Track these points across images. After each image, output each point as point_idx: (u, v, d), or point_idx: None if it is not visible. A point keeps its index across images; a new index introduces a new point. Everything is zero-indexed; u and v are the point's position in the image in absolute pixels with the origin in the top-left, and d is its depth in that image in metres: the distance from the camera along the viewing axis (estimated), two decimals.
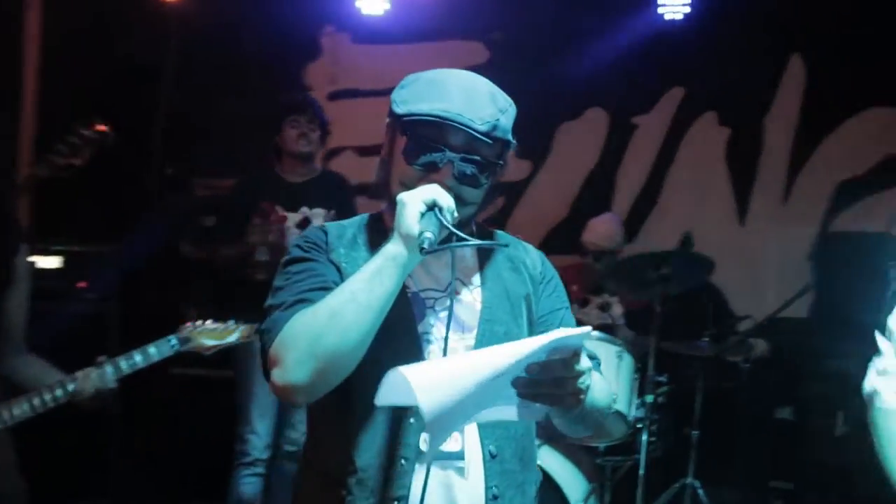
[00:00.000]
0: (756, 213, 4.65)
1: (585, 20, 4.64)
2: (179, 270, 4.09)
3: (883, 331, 1.65)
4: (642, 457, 3.24)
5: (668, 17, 4.52)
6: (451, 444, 1.40)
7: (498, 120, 1.42)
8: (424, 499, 1.34)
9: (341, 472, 1.40)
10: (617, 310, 3.98)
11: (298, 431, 3.38)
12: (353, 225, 1.55)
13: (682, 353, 3.65)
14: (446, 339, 1.39)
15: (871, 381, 1.64)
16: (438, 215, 1.34)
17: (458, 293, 1.47)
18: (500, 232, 1.65)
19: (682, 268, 3.51)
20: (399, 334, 1.41)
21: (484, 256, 1.55)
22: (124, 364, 2.26)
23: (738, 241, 4.62)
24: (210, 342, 2.38)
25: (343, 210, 3.35)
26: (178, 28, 4.67)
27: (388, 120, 1.50)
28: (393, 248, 1.34)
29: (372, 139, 4.10)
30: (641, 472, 3.25)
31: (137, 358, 2.28)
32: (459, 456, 1.40)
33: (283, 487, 3.38)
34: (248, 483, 3.32)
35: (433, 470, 1.36)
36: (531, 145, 4.88)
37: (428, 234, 1.31)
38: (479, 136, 1.38)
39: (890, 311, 1.66)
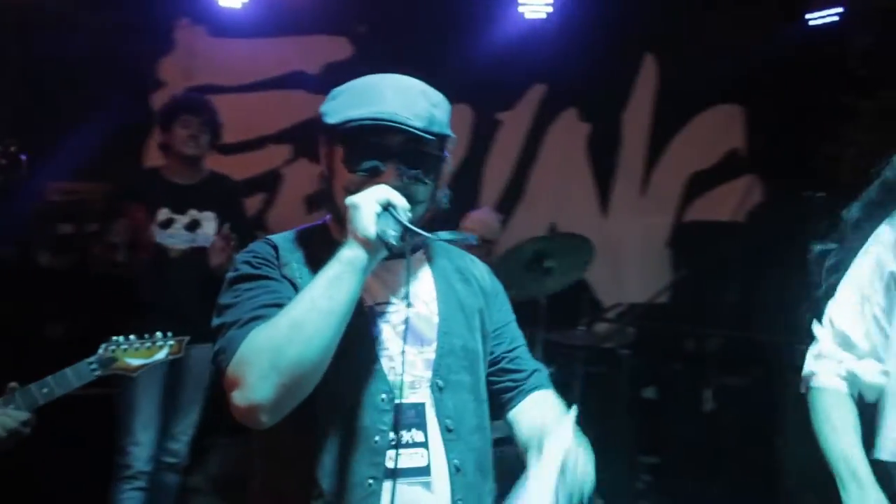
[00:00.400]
0: (617, 204, 4.88)
1: (450, 17, 4.68)
2: (34, 281, 3.79)
3: (820, 319, 1.78)
4: None
5: (528, 16, 4.64)
6: (417, 461, 1.38)
7: (432, 114, 1.41)
8: None
9: (303, 496, 1.34)
10: None
11: (181, 442, 3.28)
12: (297, 238, 1.49)
13: (563, 343, 3.77)
14: (403, 352, 1.38)
15: (808, 365, 1.76)
16: (394, 214, 1.31)
17: (413, 306, 1.45)
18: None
19: (565, 258, 3.62)
20: (356, 348, 1.37)
21: (437, 269, 1.54)
22: (37, 392, 2.08)
23: (600, 231, 4.79)
24: (136, 361, 2.23)
25: (234, 213, 3.28)
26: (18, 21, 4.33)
27: (320, 135, 1.46)
28: (350, 253, 1.31)
29: (233, 136, 3.98)
30: None
31: (52, 384, 2.09)
32: (426, 472, 1.39)
33: (162, 501, 3.25)
34: (130, 498, 3.14)
35: (402, 487, 1.34)
36: None
37: (392, 232, 1.29)
38: (417, 132, 1.37)
39: (824, 301, 1.79)
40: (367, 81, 1.46)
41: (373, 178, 1.37)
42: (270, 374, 1.25)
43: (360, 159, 1.38)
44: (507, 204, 4.86)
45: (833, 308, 1.77)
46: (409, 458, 1.38)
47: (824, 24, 4.74)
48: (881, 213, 1.75)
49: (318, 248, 1.44)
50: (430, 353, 1.44)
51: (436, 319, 1.47)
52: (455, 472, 1.40)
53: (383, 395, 1.38)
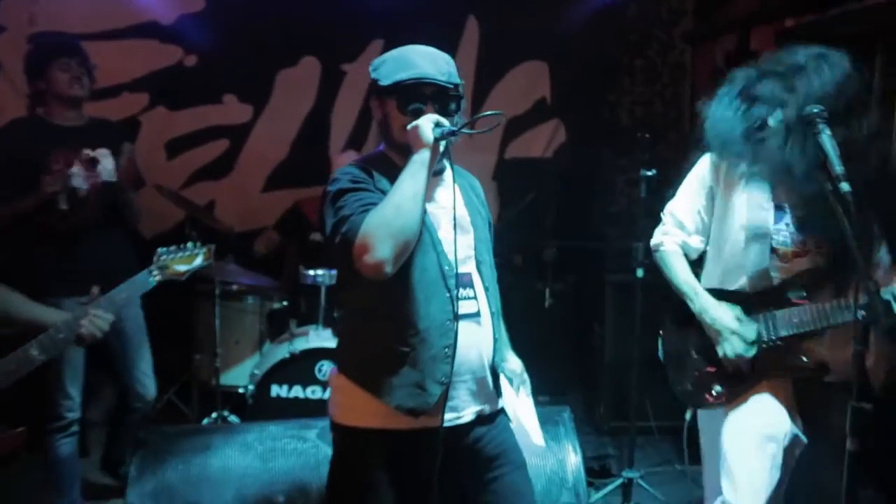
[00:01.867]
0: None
1: None
2: None
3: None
4: None
5: None
6: (471, 308, 2.08)
7: (450, 71, 2.06)
8: (457, 342, 2.01)
9: (403, 334, 2.00)
10: None
11: (146, 386, 3.50)
12: (370, 164, 2.11)
13: None
14: (456, 239, 2.04)
15: (655, 239, 2.61)
16: (441, 125, 1.97)
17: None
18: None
19: None
20: (426, 236, 2.03)
21: (460, 185, 2.16)
22: (118, 297, 2.36)
23: None
24: (182, 268, 2.52)
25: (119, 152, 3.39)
26: None
27: (373, 95, 2.11)
28: (419, 156, 1.96)
29: None
30: None
31: (128, 290, 2.40)
32: (477, 315, 2.09)
33: (128, 441, 3.44)
34: (66, 443, 3.34)
35: (462, 325, 2.03)
36: (253, 90, 5.33)
37: (441, 136, 1.96)
38: (443, 83, 2.03)
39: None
40: (401, 52, 2.10)
41: (417, 115, 2.01)
42: (388, 240, 1.88)
43: (408, 104, 2.03)
44: (354, 147, 5.37)
45: (673, 204, 2.64)
46: (466, 307, 2.07)
47: None
48: None
49: (387, 169, 2.08)
50: (470, 239, 2.13)
51: (468, 217, 2.15)
52: (491, 315, 2.13)
53: (447, 267, 2.05)
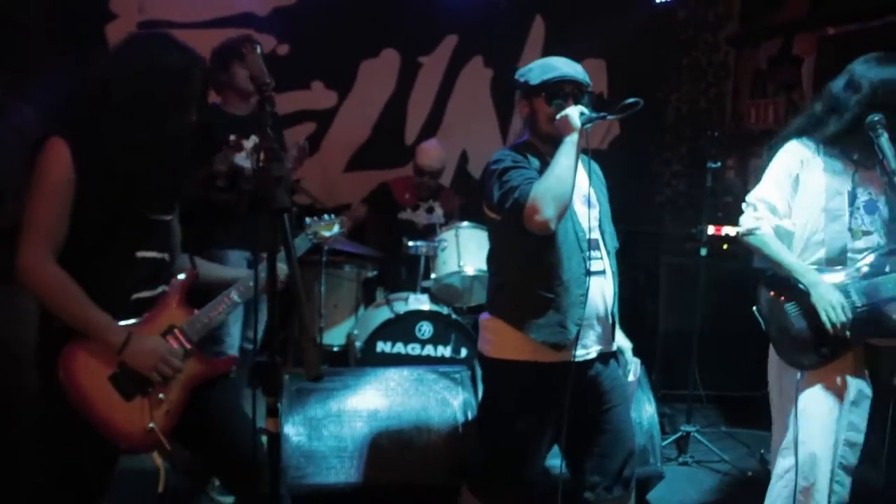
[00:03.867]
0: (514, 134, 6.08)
1: None
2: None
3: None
4: None
5: None
6: (599, 266, 2.60)
7: (585, 73, 2.59)
8: (589, 293, 2.53)
9: (550, 284, 2.51)
10: (439, 211, 5.11)
11: (257, 332, 3.89)
12: (521, 151, 2.60)
13: None
14: (589, 209, 2.58)
15: (750, 223, 2.91)
16: (587, 113, 2.48)
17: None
18: None
19: None
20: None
21: (588, 168, 2.64)
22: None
23: None
24: (326, 233, 2.90)
25: (280, 137, 3.90)
26: None
27: (521, 96, 2.63)
28: (570, 138, 2.46)
29: None
30: None
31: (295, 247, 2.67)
32: (603, 273, 2.62)
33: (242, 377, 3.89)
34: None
35: (592, 279, 2.55)
36: (338, 78, 5.81)
37: (587, 121, 2.46)
38: (581, 81, 2.56)
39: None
40: (545, 60, 2.64)
41: (560, 108, 2.52)
42: (552, 202, 2.37)
43: (553, 98, 2.55)
44: (427, 134, 5.88)
45: (762, 191, 2.96)
46: (595, 265, 2.58)
47: (666, 1, 6.24)
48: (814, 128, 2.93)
49: (534, 154, 2.59)
50: (596, 213, 2.63)
51: (595, 194, 2.64)
52: (612, 274, 2.65)
53: (580, 233, 2.56)
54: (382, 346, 4.22)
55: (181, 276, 2.44)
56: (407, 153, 5.56)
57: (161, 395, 2.31)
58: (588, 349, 2.62)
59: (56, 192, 2.15)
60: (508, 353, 2.62)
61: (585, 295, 2.54)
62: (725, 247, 5.11)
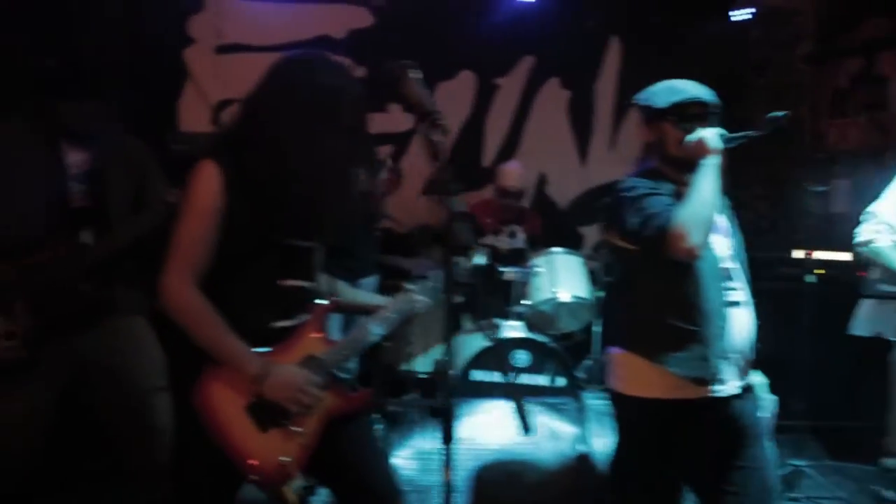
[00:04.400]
0: (592, 157, 5.99)
1: None
2: None
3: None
4: None
5: None
6: (738, 296, 2.46)
7: (713, 94, 2.48)
8: (728, 325, 2.40)
9: (691, 315, 2.38)
10: (521, 236, 5.03)
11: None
12: (647, 178, 2.48)
13: None
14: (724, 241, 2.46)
15: (866, 235, 2.92)
16: (724, 135, 2.38)
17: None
18: None
19: None
20: None
21: None
22: (431, 284, 2.59)
23: (580, 179, 5.95)
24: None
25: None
26: None
27: (646, 121, 2.52)
28: (711, 161, 2.34)
29: None
30: None
31: (432, 282, 2.58)
32: (740, 303, 2.46)
33: None
34: None
35: (732, 310, 2.42)
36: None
37: (725, 143, 2.36)
38: (711, 102, 2.45)
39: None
40: (669, 82, 2.54)
41: (688, 131, 2.41)
42: (700, 227, 2.26)
43: (683, 121, 2.44)
44: (505, 156, 5.83)
45: (881, 206, 2.95)
46: (734, 295, 2.45)
47: (741, 20, 6.11)
48: None
49: (662, 180, 2.47)
50: (727, 240, 2.52)
51: (727, 222, 2.54)
52: (748, 304, 2.50)
53: (717, 263, 2.43)
54: (478, 375, 4.11)
55: (321, 303, 2.36)
56: (485, 176, 5.49)
57: (297, 428, 2.22)
58: (726, 384, 2.48)
59: (203, 216, 2.11)
60: (645, 390, 2.49)
61: (724, 327, 2.42)
62: (818, 271, 4.95)
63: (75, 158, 2.84)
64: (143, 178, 2.98)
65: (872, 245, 2.90)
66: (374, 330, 2.43)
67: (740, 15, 6.07)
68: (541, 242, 4.89)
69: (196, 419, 2.13)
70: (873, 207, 2.94)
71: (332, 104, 2.15)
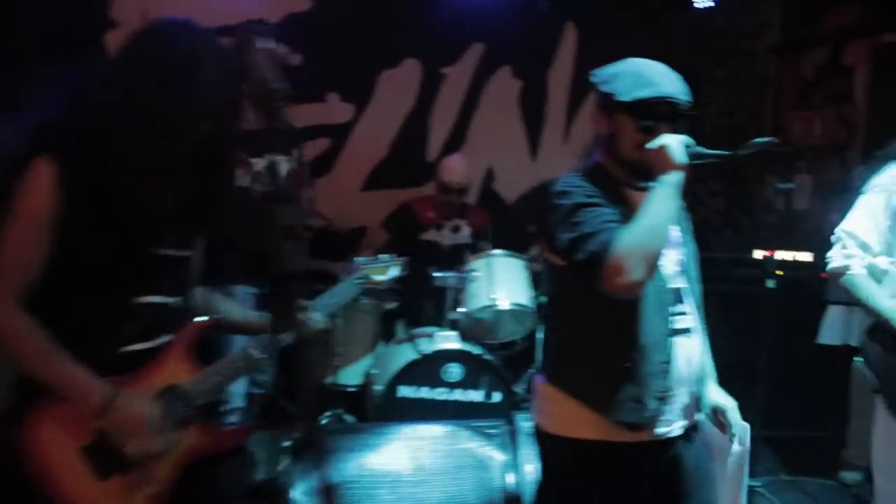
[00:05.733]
0: (544, 149, 5.69)
1: None
2: None
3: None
4: None
5: None
6: (685, 324, 2.09)
7: (686, 90, 2.05)
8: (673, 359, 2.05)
9: (625, 349, 2.01)
10: (466, 231, 4.69)
11: (267, 375, 3.64)
12: (588, 177, 2.07)
13: None
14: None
15: (839, 261, 2.56)
16: (692, 147, 1.97)
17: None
18: None
19: None
20: None
21: None
22: (330, 302, 2.32)
23: (530, 173, 5.62)
24: (378, 277, 2.45)
25: (297, 154, 3.57)
26: None
27: (601, 103, 2.08)
28: (672, 177, 1.93)
29: None
30: None
31: (339, 296, 2.34)
32: (689, 331, 2.10)
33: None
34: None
35: (677, 340, 2.06)
36: (355, 90, 5.40)
37: (692, 150, 1.97)
38: (683, 104, 2.02)
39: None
40: (637, 68, 2.07)
41: (649, 133, 2.00)
42: (643, 262, 1.87)
43: (646, 120, 2.00)
44: (451, 149, 5.46)
45: (852, 224, 2.60)
46: (680, 322, 2.08)
47: (704, 7, 5.80)
48: None
49: (607, 182, 2.07)
50: (678, 254, 2.13)
51: (679, 233, 2.15)
52: (697, 330, 2.14)
53: (662, 283, 2.05)
54: (406, 391, 3.77)
55: (191, 323, 2.02)
56: (429, 171, 5.16)
57: (146, 475, 1.86)
58: (671, 426, 2.13)
59: (31, 225, 1.75)
60: (573, 430, 2.12)
61: (668, 362, 2.06)
62: (779, 272, 4.67)
63: None
64: None
65: (848, 276, 2.56)
66: (256, 353, 2.10)
67: (703, 2, 5.76)
68: (488, 238, 4.58)
69: (16, 467, 1.78)
70: (846, 226, 2.60)
71: (190, 77, 1.78)
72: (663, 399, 2.07)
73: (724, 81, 6.30)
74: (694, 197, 6.26)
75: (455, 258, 4.36)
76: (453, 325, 3.97)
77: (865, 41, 5.46)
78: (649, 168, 2.00)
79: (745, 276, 4.52)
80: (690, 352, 2.13)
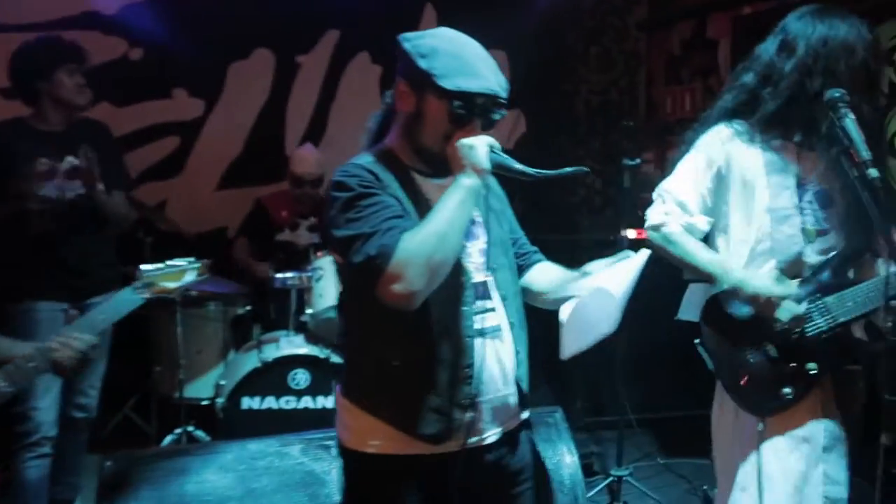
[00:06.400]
0: None
1: None
2: None
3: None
4: None
5: None
6: (493, 321, 1.88)
7: (506, 84, 1.84)
8: (480, 361, 1.85)
9: (420, 356, 1.81)
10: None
11: (90, 397, 3.33)
12: (377, 163, 1.85)
13: None
14: (464, 247, 1.83)
15: (656, 218, 2.38)
16: (497, 153, 1.79)
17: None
18: None
19: None
20: None
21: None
22: (97, 318, 2.16)
23: None
24: (171, 284, 2.28)
25: (110, 154, 3.32)
26: None
27: (413, 83, 1.85)
28: (469, 181, 1.74)
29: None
30: None
31: (109, 310, 2.18)
32: (498, 328, 1.89)
33: (76, 453, 3.36)
34: (34, 466, 3.12)
35: (482, 341, 1.85)
36: (204, 84, 5.08)
37: (497, 157, 1.78)
38: (502, 99, 1.82)
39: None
40: (460, 51, 1.84)
41: (462, 126, 1.79)
42: (426, 272, 1.67)
43: (459, 113, 1.78)
44: (311, 141, 5.20)
45: (671, 184, 2.44)
46: (487, 319, 1.88)
47: None
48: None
49: (397, 170, 1.85)
50: (481, 244, 1.91)
51: (480, 219, 1.92)
52: (511, 327, 1.93)
53: (462, 278, 1.84)
54: (249, 402, 3.52)
55: None
56: (287, 166, 4.88)
57: None
58: (483, 434, 1.92)
59: None
60: (373, 444, 1.90)
61: (472, 366, 1.85)
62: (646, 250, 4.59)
63: None
64: None
65: (664, 230, 2.39)
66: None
67: None
68: None
69: None
70: (665, 185, 2.44)
71: None
72: (471, 406, 1.87)
73: (597, 59, 6.20)
74: (573, 178, 6.15)
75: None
76: (301, 328, 3.73)
77: (726, 14, 5.42)
78: (446, 163, 1.80)
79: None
80: (502, 351, 1.92)
